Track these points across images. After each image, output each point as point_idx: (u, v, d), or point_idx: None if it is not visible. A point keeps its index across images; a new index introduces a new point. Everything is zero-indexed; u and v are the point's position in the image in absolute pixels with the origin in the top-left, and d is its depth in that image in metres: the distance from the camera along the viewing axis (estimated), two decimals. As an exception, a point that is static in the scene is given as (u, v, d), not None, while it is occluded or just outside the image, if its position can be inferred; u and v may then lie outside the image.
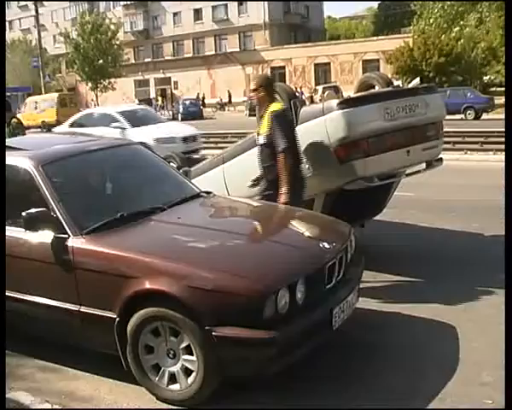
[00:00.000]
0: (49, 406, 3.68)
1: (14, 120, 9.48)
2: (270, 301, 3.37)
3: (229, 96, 50.61)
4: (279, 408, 3.57)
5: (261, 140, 5.22)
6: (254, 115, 6.42)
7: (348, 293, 4.00)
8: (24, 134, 9.69)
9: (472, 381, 3.78)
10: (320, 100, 23.22)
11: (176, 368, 3.63)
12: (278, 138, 5.03)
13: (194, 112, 39.95)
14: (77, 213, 4.02)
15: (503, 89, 27.82)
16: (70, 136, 6.80)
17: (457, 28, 33.33)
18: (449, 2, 30.66)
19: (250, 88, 5.59)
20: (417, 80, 6.54)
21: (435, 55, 33.83)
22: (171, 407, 3.64)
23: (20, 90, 46.69)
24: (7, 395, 3.70)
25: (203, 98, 48.63)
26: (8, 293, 4.02)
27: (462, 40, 34.06)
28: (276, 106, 5.24)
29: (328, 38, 64.56)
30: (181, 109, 40.49)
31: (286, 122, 5.22)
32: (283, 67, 52.64)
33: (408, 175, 6.08)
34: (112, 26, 45.68)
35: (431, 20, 32.75)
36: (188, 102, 41.88)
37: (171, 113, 43.47)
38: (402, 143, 5.56)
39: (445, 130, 6.34)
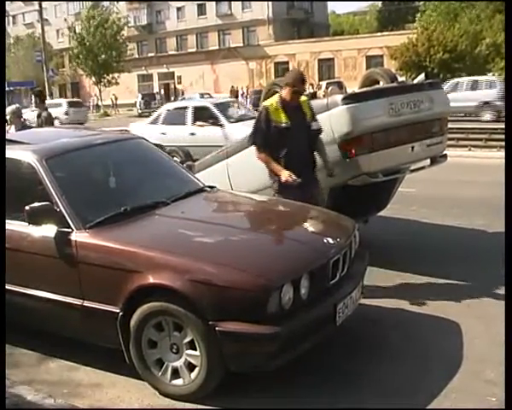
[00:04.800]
0: (52, 401, 3.67)
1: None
2: (274, 296, 3.36)
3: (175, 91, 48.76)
4: (279, 408, 3.56)
5: None
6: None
7: (352, 289, 3.98)
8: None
9: (476, 378, 3.77)
10: (324, 95, 23.16)
11: (179, 363, 3.62)
12: None
13: None
14: (80, 207, 4.01)
15: (507, 86, 27.69)
16: (74, 130, 6.77)
17: (458, 25, 33.25)
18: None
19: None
20: (422, 76, 6.50)
21: (439, 52, 33.70)
22: (174, 401, 3.63)
23: (23, 84, 46.69)
24: (9, 390, 3.69)
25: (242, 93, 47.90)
26: (11, 287, 4.02)
27: (462, 37, 33.93)
28: None
29: (332, 33, 64.30)
30: None
31: None
32: (287, 63, 52.46)
33: (412, 171, 6.06)
34: (116, 21, 45.58)
35: (431, 17, 32.64)
36: (205, 97, 42.01)
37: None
38: (406, 138, 5.55)
39: (448, 126, 6.32)
